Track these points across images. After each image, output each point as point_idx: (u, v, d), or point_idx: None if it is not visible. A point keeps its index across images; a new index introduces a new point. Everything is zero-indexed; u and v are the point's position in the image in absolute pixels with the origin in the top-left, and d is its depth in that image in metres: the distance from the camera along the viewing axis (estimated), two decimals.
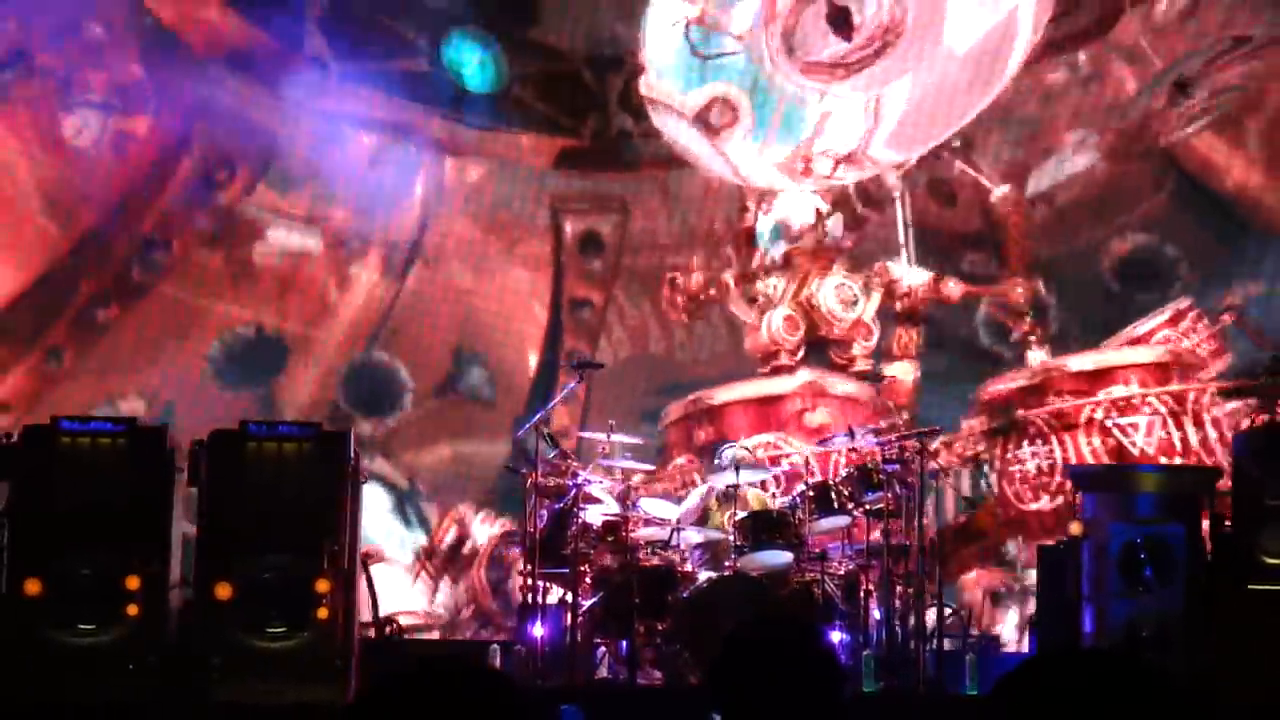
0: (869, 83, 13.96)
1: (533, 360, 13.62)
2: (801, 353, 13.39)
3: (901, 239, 13.63)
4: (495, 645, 11.34)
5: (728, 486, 11.36)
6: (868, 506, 11.06)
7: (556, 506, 10.98)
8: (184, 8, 14.57)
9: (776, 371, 13.22)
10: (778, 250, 13.58)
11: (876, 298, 13.58)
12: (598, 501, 11.19)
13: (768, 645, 4.23)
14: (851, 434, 11.47)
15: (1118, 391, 12.61)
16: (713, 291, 13.50)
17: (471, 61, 14.87)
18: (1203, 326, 13.60)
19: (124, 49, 14.40)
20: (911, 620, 10.97)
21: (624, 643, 10.80)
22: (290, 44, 14.59)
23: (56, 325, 14.54)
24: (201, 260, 15.12)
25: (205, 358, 14.52)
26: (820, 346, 13.45)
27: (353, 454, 10.44)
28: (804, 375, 13.00)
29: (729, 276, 13.55)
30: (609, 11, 15.08)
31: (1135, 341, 13.57)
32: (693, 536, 11.30)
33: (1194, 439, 12.71)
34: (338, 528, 10.23)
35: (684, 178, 15.32)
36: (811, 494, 11.10)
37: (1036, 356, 13.56)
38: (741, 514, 11.12)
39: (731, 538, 11.04)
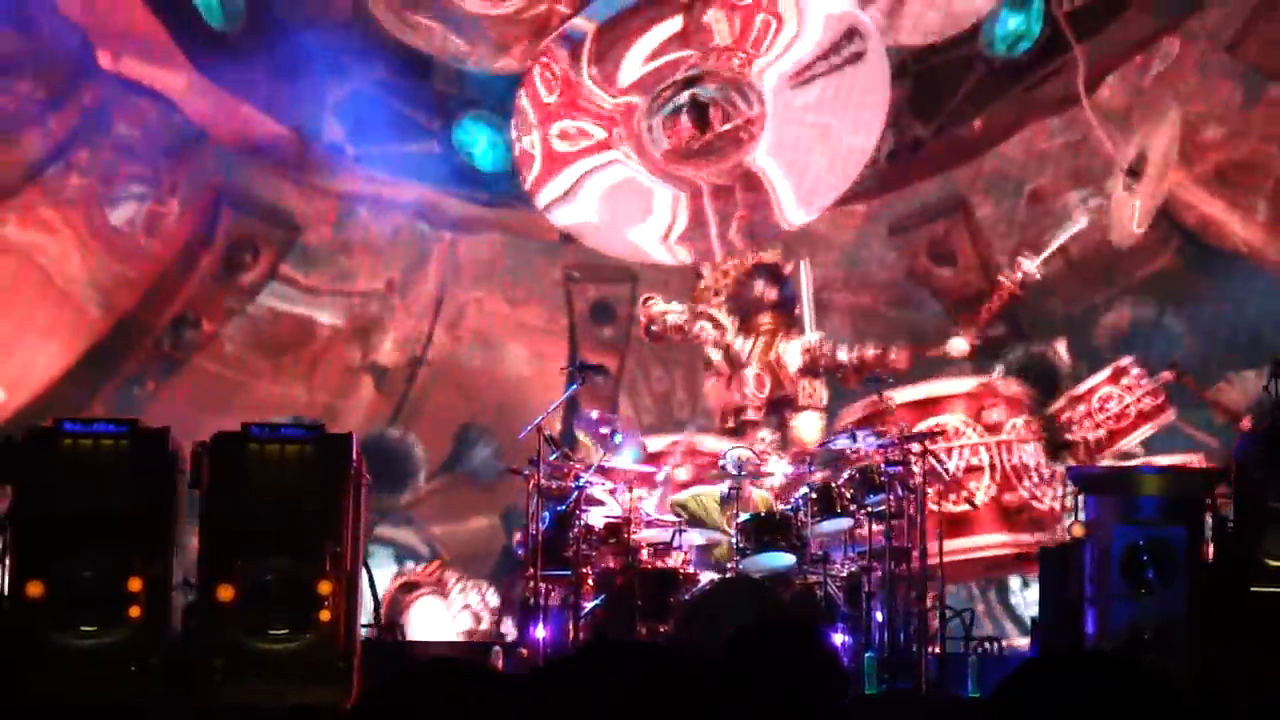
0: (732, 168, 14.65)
1: (556, 426, 13.78)
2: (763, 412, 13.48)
3: (808, 312, 13.74)
4: (497, 647, 11.36)
5: (731, 488, 11.38)
6: (870, 509, 11.07)
7: (559, 508, 11.00)
8: (214, 104, 15.08)
9: (742, 428, 13.39)
10: (736, 312, 13.74)
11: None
12: (600, 503, 11.20)
13: (770, 648, 4.24)
14: (853, 436, 11.49)
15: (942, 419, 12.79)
16: (655, 328, 13.61)
17: (481, 142, 15.40)
18: (1145, 383, 13.78)
19: (155, 143, 15.10)
20: (914, 622, 10.98)
21: None
22: (310, 133, 15.24)
23: (96, 401, 15.00)
24: (230, 336, 15.62)
25: None
26: (782, 404, 13.50)
27: (355, 456, 10.45)
28: (682, 435, 13.18)
29: (678, 320, 13.60)
30: None
31: (1077, 399, 13.83)
32: (695, 539, 11.34)
33: (1003, 463, 12.82)
34: (340, 530, 10.23)
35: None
36: (814, 496, 11.12)
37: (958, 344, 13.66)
38: (744, 516, 11.14)
39: (734, 540, 11.06)
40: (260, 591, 10.06)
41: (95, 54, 14.82)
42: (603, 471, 11.44)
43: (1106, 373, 13.92)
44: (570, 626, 10.74)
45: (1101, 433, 13.77)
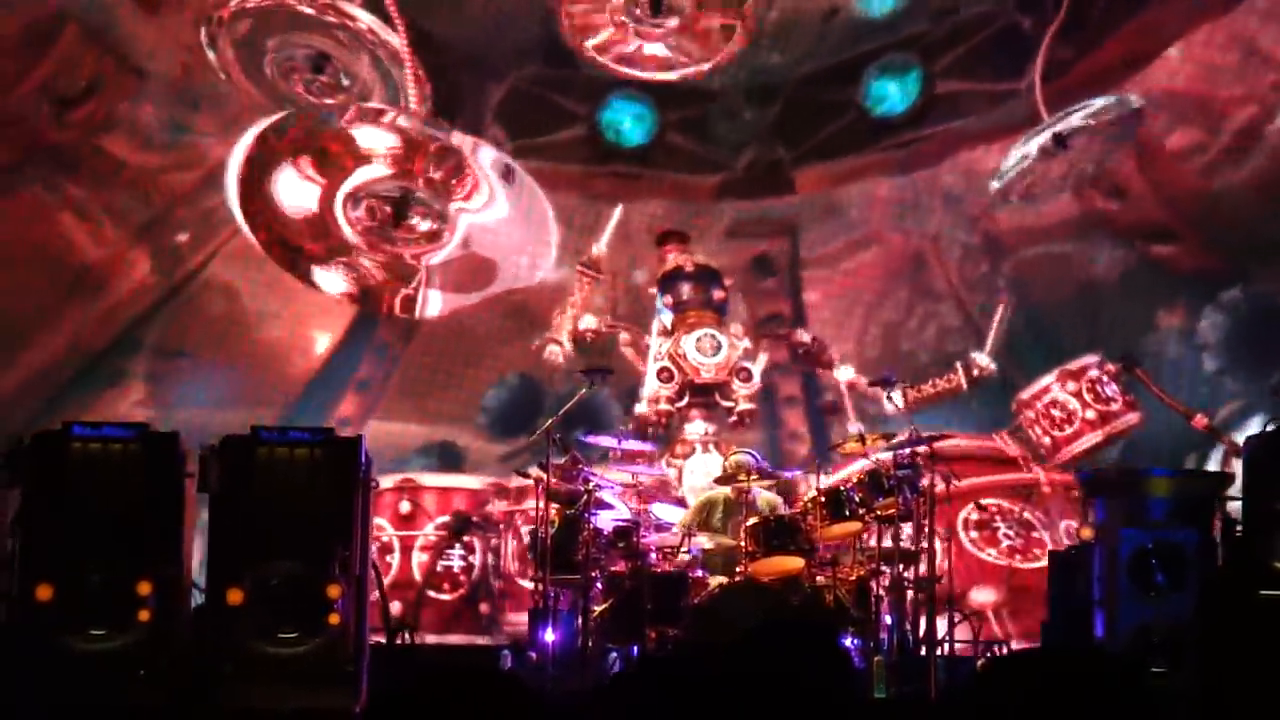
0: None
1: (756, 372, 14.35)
2: (686, 398, 13.91)
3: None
4: (507, 650, 11.36)
5: (738, 490, 11.38)
6: (879, 512, 11.05)
7: (568, 512, 11.00)
8: None
9: (659, 418, 13.84)
10: (667, 314, 14.22)
11: (764, 357, 14.15)
12: (609, 507, 11.19)
13: (783, 648, 4.23)
14: (862, 439, 11.47)
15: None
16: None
17: (628, 118, 15.88)
18: (1101, 387, 13.72)
19: None
20: (922, 626, 10.97)
21: (635, 648, 10.81)
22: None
23: (363, 363, 15.90)
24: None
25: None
26: (706, 390, 13.95)
27: (364, 459, 10.45)
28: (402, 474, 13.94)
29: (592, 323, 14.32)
30: (766, 45, 15.81)
31: (1024, 404, 13.90)
32: (705, 543, 11.34)
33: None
34: (349, 533, 10.23)
35: (843, 193, 15.87)
36: (823, 500, 11.10)
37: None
38: (753, 520, 11.13)
39: (743, 543, 11.05)
40: (269, 595, 10.07)
41: None
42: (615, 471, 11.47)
43: (1052, 376, 13.87)
44: (579, 629, 10.73)
45: (1048, 440, 13.83)
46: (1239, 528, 10.62)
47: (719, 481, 11.83)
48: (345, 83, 15.37)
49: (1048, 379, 13.89)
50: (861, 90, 15.60)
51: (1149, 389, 13.94)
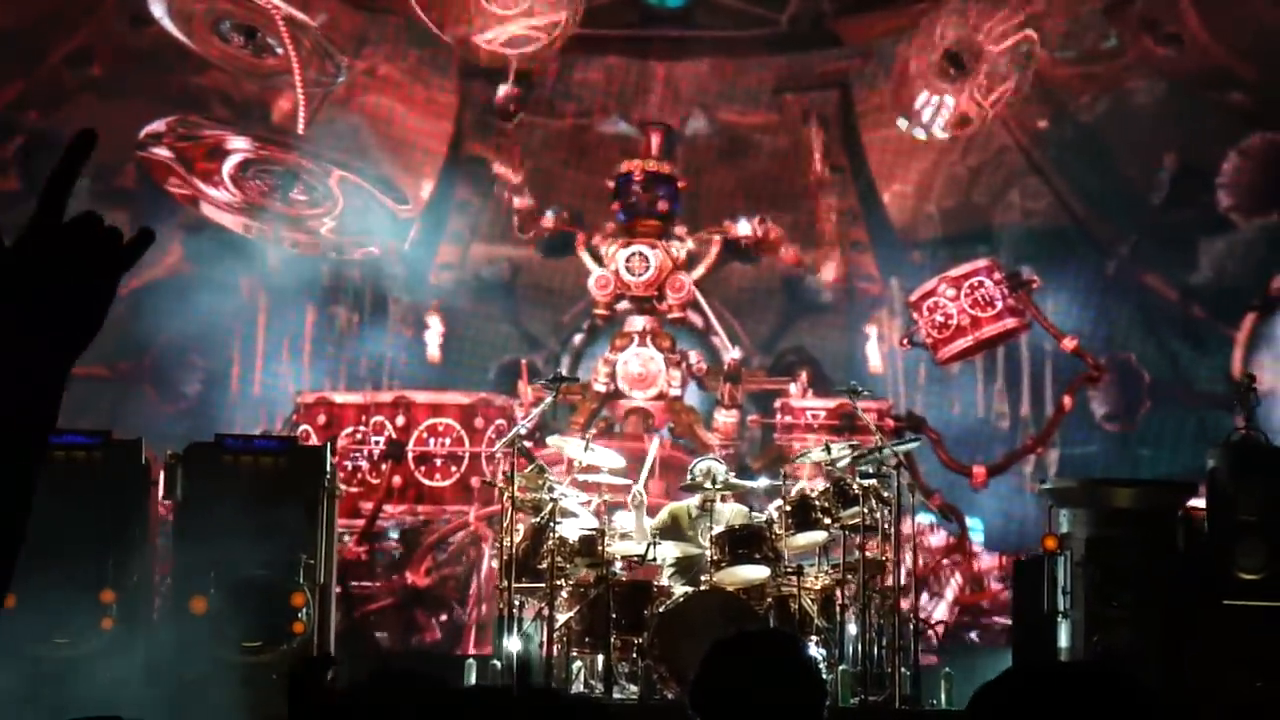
0: None
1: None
2: (625, 303, 14.75)
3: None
4: (471, 660, 11.34)
5: (705, 500, 11.34)
6: (845, 521, 11.03)
7: (533, 521, 10.97)
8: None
9: (597, 319, 14.91)
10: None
11: (708, 256, 14.89)
12: (574, 516, 11.16)
13: (750, 656, 4.22)
14: (828, 449, 11.45)
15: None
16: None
17: None
18: (983, 291, 13.86)
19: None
20: (887, 635, 10.97)
21: (600, 657, 10.79)
22: None
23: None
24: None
25: None
26: (639, 299, 14.75)
27: (329, 468, 10.44)
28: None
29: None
30: None
31: (913, 305, 14.19)
32: (670, 552, 11.30)
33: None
34: (314, 541, 10.22)
35: (891, 46, 15.75)
36: (789, 509, 11.08)
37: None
38: (719, 529, 11.10)
39: (709, 553, 11.02)
40: (234, 603, 10.05)
41: None
42: (578, 484, 11.42)
43: (935, 280, 14.05)
44: (544, 639, 10.70)
45: (929, 341, 14.05)
46: (1203, 537, 10.66)
47: (685, 490, 11.77)
48: (279, 50, 15.29)
49: (931, 282, 14.11)
50: None
51: (1028, 308, 14.16)
